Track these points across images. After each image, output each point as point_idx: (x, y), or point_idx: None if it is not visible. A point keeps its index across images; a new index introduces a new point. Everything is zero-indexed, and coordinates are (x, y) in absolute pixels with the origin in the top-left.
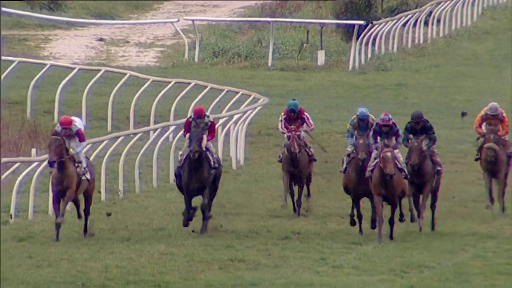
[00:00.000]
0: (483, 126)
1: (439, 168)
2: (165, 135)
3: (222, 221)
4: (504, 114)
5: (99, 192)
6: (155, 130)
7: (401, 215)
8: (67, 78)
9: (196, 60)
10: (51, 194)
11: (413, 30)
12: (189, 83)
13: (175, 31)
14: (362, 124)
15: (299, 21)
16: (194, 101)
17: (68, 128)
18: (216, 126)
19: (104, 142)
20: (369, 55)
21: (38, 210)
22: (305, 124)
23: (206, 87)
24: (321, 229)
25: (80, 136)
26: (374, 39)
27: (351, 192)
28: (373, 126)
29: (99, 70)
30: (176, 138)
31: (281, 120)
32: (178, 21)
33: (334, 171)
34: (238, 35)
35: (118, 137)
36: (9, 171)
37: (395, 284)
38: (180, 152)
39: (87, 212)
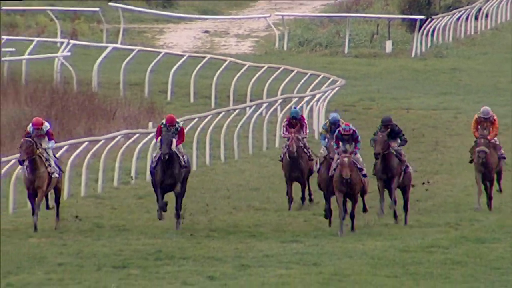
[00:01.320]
0: (479, 130)
1: (408, 169)
2: (259, 111)
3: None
4: (495, 117)
5: (204, 157)
6: (250, 106)
7: (364, 208)
8: (178, 64)
9: (285, 48)
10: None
11: (465, 24)
12: (279, 68)
13: (268, 24)
14: (333, 127)
15: (371, 16)
16: (283, 83)
17: (39, 128)
18: (301, 103)
19: (208, 117)
20: (429, 44)
21: None
22: (303, 129)
23: (293, 71)
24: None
25: (49, 135)
26: (433, 31)
27: (323, 190)
28: (336, 132)
29: (204, 57)
30: (268, 113)
31: (284, 126)
32: (270, 16)
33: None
34: (319, 27)
35: (220, 112)
36: (130, 140)
37: (449, 234)
38: (154, 154)
39: (57, 202)
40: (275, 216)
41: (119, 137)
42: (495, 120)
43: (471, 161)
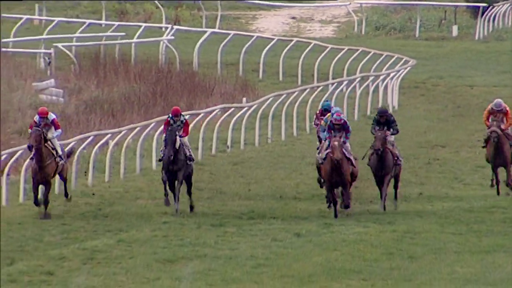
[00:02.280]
0: (490, 119)
1: (399, 162)
2: (339, 88)
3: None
4: (508, 109)
5: (291, 128)
6: (332, 84)
7: (347, 202)
8: (268, 46)
9: (363, 33)
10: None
11: None
12: (358, 50)
13: (348, 11)
14: (325, 113)
15: (439, 3)
16: (361, 63)
17: (45, 117)
18: (377, 81)
19: (295, 93)
20: (490, 28)
21: (248, 142)
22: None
23: (370, 52)
24: (454, 157)
25: (55, 124)
26: (494, 16)
27: (326, 182)
28: (328, 122)
29: (292, 40)
30: (348, 90)
31: (316, 115)
32: (350, 4)
33: None
34: (393, 14)
35: (305, 89)
36: (226, 113)
37: (508, 197)
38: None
39: (65, 187)
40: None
41: (216, 110)
42: (507, 111)
43: (483, 147)
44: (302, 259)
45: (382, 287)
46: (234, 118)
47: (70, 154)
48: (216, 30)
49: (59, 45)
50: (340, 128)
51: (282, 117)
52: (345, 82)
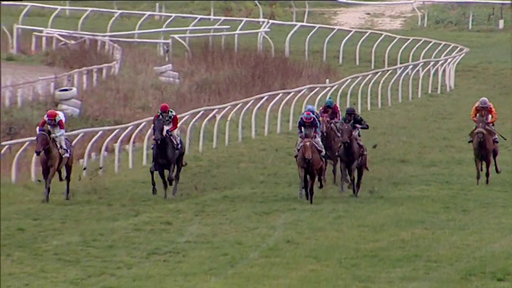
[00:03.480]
0: (477, 116)
1: (365, 152)
2: (406, 71)
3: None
4: (491, 106)
5: (365, 104)
6: (400, 68)
7: (320, 184)
8: (347, 37)
9: (425, 25)
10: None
11: None
12: (421, 39)
13: (413, 8)
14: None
15: (488, 1)
16: (424, 50)
17: (53, 119)
18: (436, 66)
19: (369, 76)
20: None
21: None
22: (337, 115)
23: (431, 42)
24: (501, 128)
25: (60, 125)
26: None
27: (300, 168)
28: (299, 120)
29: (366, 32)
30: (413, 73)
31: (320, 112)
32: (415, 2)
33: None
34: (450, 10)
35: (377, 72)
36: (312, 92)
37: None
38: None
39: (68, 178)
40: (417, 147)
41: (304, 90)
42: (491, 108)
43: (469, 141)
44: (374, 212)
45: (441, 235)
46: (319, 96)
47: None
48: (304, 23)
49: (176, 36)
50: (310, 124)
51: (358, 95)
52: (410, 67)
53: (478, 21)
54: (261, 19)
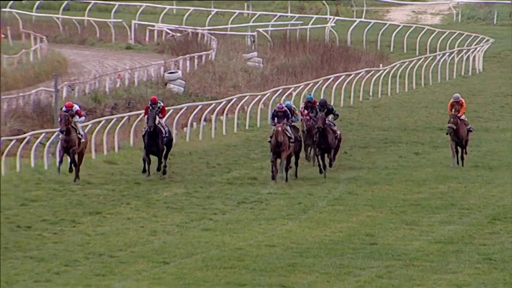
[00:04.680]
0: (453, 110)
1: (338, 133)
2: (443, 57)
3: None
4: (463, 101)
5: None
6: (439, 54)
7: (286, 168)
8: (397, 30)
9: (459, 21)
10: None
11: None
12: (455, 32)
13: (449, 7)
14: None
15: (510, 2)
16: (458, 41)
17: (70, 109)
18: (467, 54)
19: (414, 61)
20: None
21: (383, 93)
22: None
23: (463, 34)
24: None
25: (79, 114)
26: None
27: (272, 152)
28: (272, 111)
29: (412, 26)
30: (449, 59)
31: (301, 109)
32: (451, 2)
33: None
34: (479, 8)
35: (421, 58)
36: (368, 74)
37: None
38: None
39: (79, 163)
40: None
41: (362, 72)
42: (463, 103)
43: (447, 133)
44: (418, 170)
45: (471, 188)
46: (374, 77)
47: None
48: (362, 19)
49: (260, 29)
50: (282, 115)
51: (406, 77)
52: (447, 53)
53: (502, 17)
54: (328, 16)
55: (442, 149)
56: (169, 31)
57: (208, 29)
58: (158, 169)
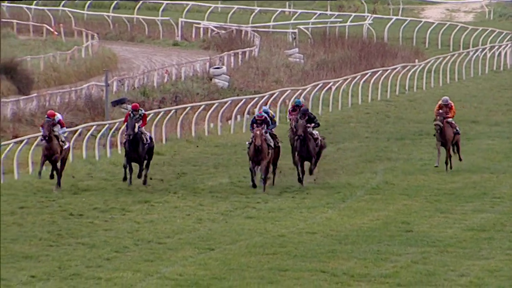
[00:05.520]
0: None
1: (319, 140)
2: (476, 53)
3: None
4: (452, 104)
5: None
6: (471, 50)
7: (265, 179)
8: (431, 27)
9: (491, 18)
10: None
11: None
12: (487, 29)
13: (482, 5)
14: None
15: None
16: (490, 37)
17: (52, 118)
18: (499, 49)
19: (448, 57)
20: None
21: (418, 87)
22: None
23: (495, 30)
24: None
25: (61, 123)
26: None
27: (251, 160)
28: (252, 118)
29: (446, 23)
30: (482, 54)
31: (288, 111)
32: (483, 1)
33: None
34: (510, 6)
35: (454, 54)
36: (404, 69)
37: None
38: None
39: (62, 168)
40: (485, 111)
41: (398, 67)
42: (452, 106)
43: (434, 134)
44: (452, 160)
45: (503, 178)
46: (410, 72)
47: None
48: (399, 17)
49: (301, 27)
50: (262, 122)
51: (440, 72)
52: (479, 49)
53: None
54: (366, 14)
55: (474, 140)
56: (215, 29)
57: (252, 27)
58: (139, 176)
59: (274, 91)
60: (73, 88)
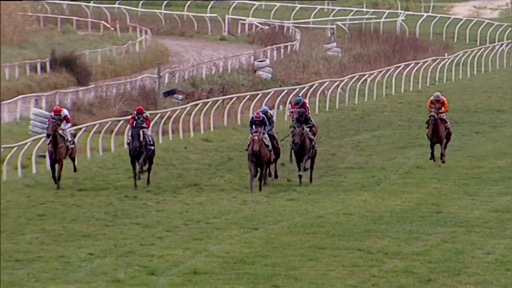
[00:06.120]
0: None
1: (315, 145)
2: (501, 47)
3: None
4: (444, 99)
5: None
6: (497, 45)
7: (270, 174)
8: (460, 23)
9: None
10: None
11: None
12: None
13: (507, 3)
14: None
15: None
16: None
17: (58, 114)
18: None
19: (475, 50)
20: None
21: (447, 79)
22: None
23: None
24: None
25: (66, 119)
26: None
27: (250, 161)
28: (251, 118)
29: (473, 20)
30: (507, 48)
31: (288, 109)
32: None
33: None
34: None
35: (481, 48)
36: (435, 62)
37: None
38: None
39: (74, 165)
40: (510, 101)
41: (429, 60)
42: (444, 101)
43: (427, 127)
44: (479, 146)
45: None
46: (440, 65)
47: (75, 135)
48: (430, 14)
49: (339, 23)
50: (260, 123)
51: (468, 64)
52: (504, 44)
53: None
54: (399, 11)
55: (501, 128)
56: (259, 25)
57: (293, 23)
58: (140, 171)
59: (313, 82)
60: (127, 80)
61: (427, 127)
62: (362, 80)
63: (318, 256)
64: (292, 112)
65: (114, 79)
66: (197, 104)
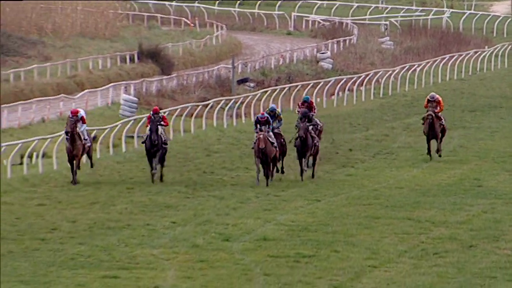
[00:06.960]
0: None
1: (317, 143)
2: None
3: None
4: (440, 99)
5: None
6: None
7: (278, 170)
8: (498, 19)
9: None
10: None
11: None
12: None
13: None
14: (272, 114)
15: None
16: None
17: (75, 115)
18: None
19: (499, 47)
20: None
21: (487, 69)
22: (312, 110)
23: None
24: None
25: (83, 120)
26: None
27: (256, 157)
28: (255, 118)
29: (499, 16)
30: None
31: (298, 105)
32: None
33: None
34: None
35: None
36: (476, 54)
37: None
38: (143, 134)
39: (91, 161)
40: None
41: (471, 52)
42: (440, 100)
43: (423, 124)
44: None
45: None
46: (480, 57)
47: (94, 137)
48: (472, 11)
49: (391, 19)
50: (265, 122)
51: (506, 56)
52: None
53: None
54: (444, 9)
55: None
56: (321, 21)
57: (351, 19)
58: (152, 173)
59: (369, 72)
60: (205, 70)
61: (423, 123)
62: (412, 70)
63: (373, 225)
64: (299, 111)
65: (194, 69)
66: (266, 91)
